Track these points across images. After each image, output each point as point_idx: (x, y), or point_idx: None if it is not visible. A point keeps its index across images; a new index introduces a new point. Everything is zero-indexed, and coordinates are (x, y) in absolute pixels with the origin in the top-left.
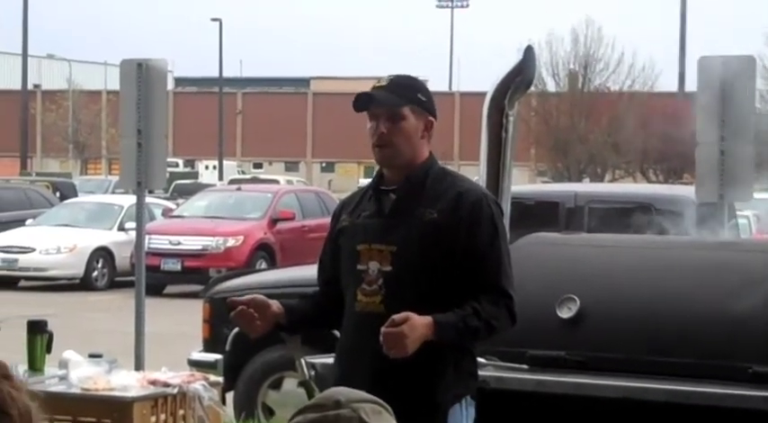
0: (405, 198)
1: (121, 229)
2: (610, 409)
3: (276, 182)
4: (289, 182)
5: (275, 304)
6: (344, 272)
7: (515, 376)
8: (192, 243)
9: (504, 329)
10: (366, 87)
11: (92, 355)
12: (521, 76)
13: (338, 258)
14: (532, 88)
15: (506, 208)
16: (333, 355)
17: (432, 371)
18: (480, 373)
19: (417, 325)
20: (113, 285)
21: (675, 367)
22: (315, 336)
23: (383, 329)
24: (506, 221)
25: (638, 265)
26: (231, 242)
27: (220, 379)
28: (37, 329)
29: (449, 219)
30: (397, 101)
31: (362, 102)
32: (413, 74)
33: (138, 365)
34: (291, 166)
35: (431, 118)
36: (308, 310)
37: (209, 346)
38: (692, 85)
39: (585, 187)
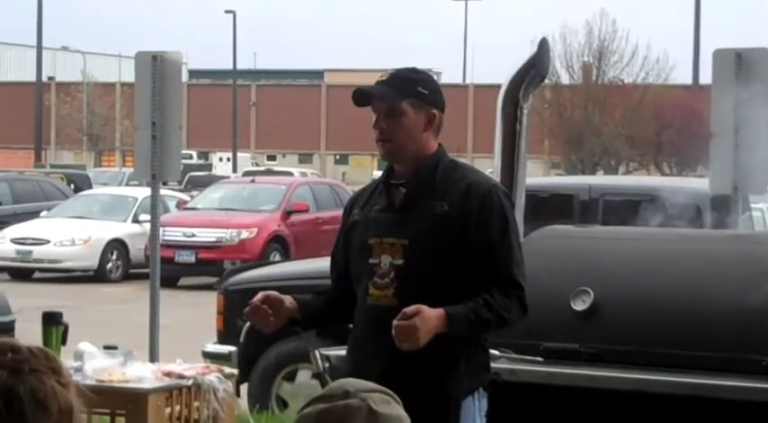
0: (415, 191)
1: (136, 220)
2: (623, 402)
3: (290, 174)
4: (302, 174)
5: (288, 299)
6: (356, 266)
7: (529, 368)
8: (206, 235)
9: (516, 321)
10: None
11: (107, 347)
12: (535, 69)
13: (350, 252)
14: (546, 81)
15: (520, 200)
16: (346, 347)
17: (444, 364)
18: (494, 365)
19: (429, 317)
20: (128, 277)
21: (689, 360)
22: (329, 328)
23: (395, 322)
24: (520, 214)
25: (652, 257)
26: (245, 234)
27: (235, 371)
28: (52, 321)
29: (460, 211)
30: (395, 96)
31: (359, 97)
32: (426, 66)
33: (153, 357)
34: (305, 159)
35: (434, 111)
36: (321, 304)
37: (223, 337)
38: (706, 77)
39: (599, 180)
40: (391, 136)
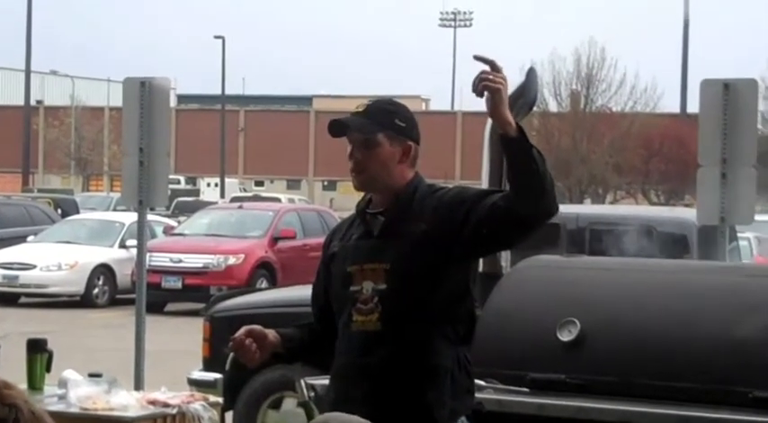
0: (394, 219)
1: (123, 246)
2: None
3: (278, 200)
4: (290, 200)
5: (272, 333)
6: (336, 295)
7: (516, 399)
8: (193, 261)
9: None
10: None
11: (91, 375)
12: (523, 99)
13: (331, 284)
14: (534, 108)
15: None
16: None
17: (428, 385)
18: (480, 395)
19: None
20: (114, 303)
21: (676, 391)
22: (312, 361)
23: (494, 66)
24: None
25: (640, 288)
26: (232, 260)
27: (220, 399)
28: (37, 348)
29: (436, 222)
30: (371, 128)
31: (336, 128)
32: (415, 93)
33: (138, 384)
34: (293, 185)
35: (410, 143)
36: (304, 338)
37: (209, 364)
38: (694, 106)
39: (587, 209)
40: (365, 167)
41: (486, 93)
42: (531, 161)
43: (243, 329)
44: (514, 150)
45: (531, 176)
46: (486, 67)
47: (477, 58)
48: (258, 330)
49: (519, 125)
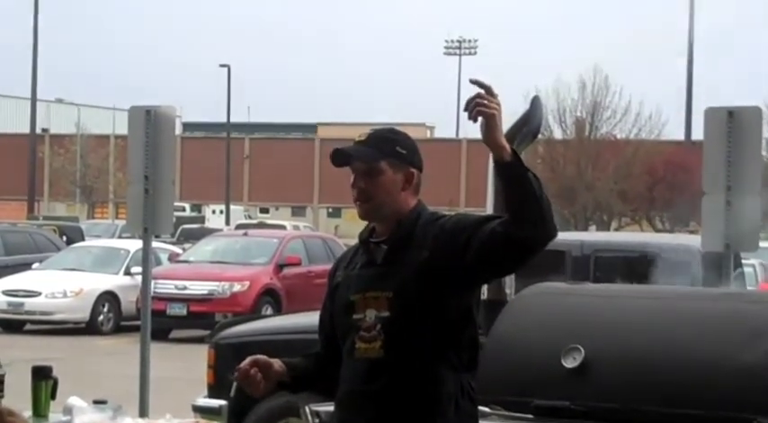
0: (397, 246)
1: (128, 273)
2: None
3: (283, 227)
4: (295, 227)
5: (277, 363)
6: (341, 324)
7: None
8: (198, 288)
9: (547, 204)
10: None
11: (96, 402)
12: (527, 127)
13: (335, 313)
14: (539, 136)
15: None
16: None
17: (432, 412)
18: (484, 422)
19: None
20: (119, 330)
21: (680, 418)
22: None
23: (489, 90)
24: None
25: (644, 315)
26: (237, 287)
27: None
28: (42, 375)
29: (439, 251)
30: (374, 156)
31: (338, 158)
32: (420, 120)
33: (143, 411)
34: (298, 212)
35: (412, 170)
36: (309, 367)
37: (213, 391)
38: (698, 134)
39: (592, 236)
40: (370, 196)
41: (480, 118)
42: (527, 185)
43: (248, 360)
44: (509, 175)
45: (527, 201)
46: (482, 91)
47: (474, 82)
48: (263, 360)
49: (513, 150)
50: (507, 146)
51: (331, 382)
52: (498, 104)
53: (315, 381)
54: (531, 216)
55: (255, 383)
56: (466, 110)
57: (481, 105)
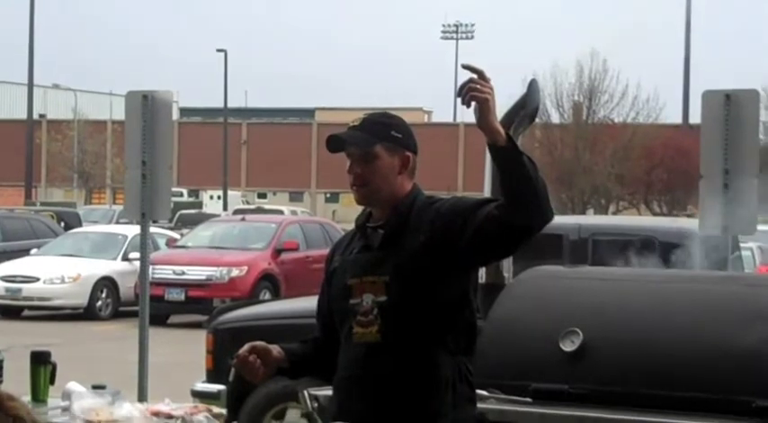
0: (392, 232)
1: (125, 259)
2: None
3: (280, 212)
4: (293, 212)
5: (276, 349)
6: (338, 309)
7: (518, 409)
8: (196, 273)
9: (542, 183)
10: None
11: (95, 387)
12: (524, 110)
13: (332, 298)
14: (537, 120)
15: None
16: None
17: (430, 395)
18: (482, 405)
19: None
20: (117, 315)
21: (678, 401)
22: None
23: (482, 75)
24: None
25: (642, 298)
26: (235, 272)
27: (224, 410)
28: (40, 360)
29: (434, 232)
30: (368, 140)
31: (333, 144)
32: (417, 105)
33: (142, 396)
34: (296, 197)
35: (407, 153)
36: (308, 352)
37: (212, 376)
38: (696, 117)
39: (589, 220)
40: (366, 180)
41: (473, 103)
42: (521, 169)
43: (247, 346)
44: (504, 159)
45: (522, 184)
46: (475, 76)
47: (466, 67)
48: (262, 346)
49: (508, 134)
50: (502, 130)
51: (329, 366)
52: (491, 89)
53: (313, 366)
54: (527, 199)
55: (254, 370)
56: (459, 95)
57: (474, 90)
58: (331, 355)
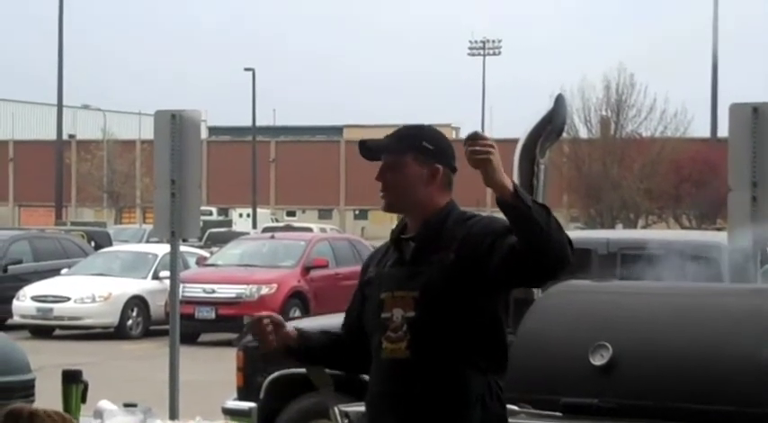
0: (423, 245)
1: (156, 277)
2: None
3: (309, 230)
4: (322, 229)
5: (290, 327)
6: (369, 321)
7: None
8: (226, 291)
9: (559, 238)
10: None
11: (126, 405)
12: (551, 125)
13: (364, 308)
14: (564, 135)
15: None
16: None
17: (459, 414)
18: (513, 420)
19: (500, 164)
20: (148, 334)
21: (708, 415)
22: (348, 383)
23: (474, 136)
24: None
25: (671, 312)
26: (265, 290)
27: None
28: (72, 379)
29: (466, 253)
30: (398, 148)
31: (364, 151)
32: (446, 121)
33: (173, 414)
34: (325, 214)
35: (438, 166)
36: (324, 342)
37: (243, 394)
38: (724, 131)
39: (618, 234)
40: (391, 188)
41: (480, 157)
42: (531, 223)
43: (265, 312)
44: (513, 214)
45: (533, 237)
46: (471, 141)
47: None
48: (276, 318)
49: (515, 186)
50: (509, 184)
51: (341, 361)
52: (491, 146)
53: (325, 356)
54: (541, 248)
55: (266, 335)
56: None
57: (474, 153)
58: (346, 352)
